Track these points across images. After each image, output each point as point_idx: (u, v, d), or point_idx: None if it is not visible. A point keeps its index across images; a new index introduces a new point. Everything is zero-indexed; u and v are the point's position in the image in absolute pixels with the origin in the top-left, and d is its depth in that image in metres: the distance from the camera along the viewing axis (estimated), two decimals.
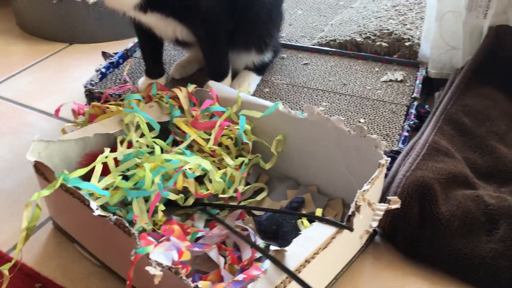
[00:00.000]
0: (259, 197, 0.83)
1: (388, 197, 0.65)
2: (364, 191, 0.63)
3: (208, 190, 0.78)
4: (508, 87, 0.94)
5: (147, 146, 0.83)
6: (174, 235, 0.70)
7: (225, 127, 0.85)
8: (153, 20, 0.91)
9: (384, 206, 0.63)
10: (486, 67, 0.95)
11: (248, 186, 0.84)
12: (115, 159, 0.77)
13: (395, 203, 0.65)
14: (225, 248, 0.73)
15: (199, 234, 0.73)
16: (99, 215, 0.60)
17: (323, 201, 0.82)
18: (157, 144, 0.80)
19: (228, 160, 0.82)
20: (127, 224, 0.58)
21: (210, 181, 0.80)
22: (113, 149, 0.81)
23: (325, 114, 0.93)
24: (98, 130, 0.82)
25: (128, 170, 0.76)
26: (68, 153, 0.79)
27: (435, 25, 1.03)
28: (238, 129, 0.84)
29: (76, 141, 0.80)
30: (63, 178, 0.66)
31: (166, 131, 0.87)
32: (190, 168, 0.76)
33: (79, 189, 0.66)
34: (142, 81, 1.05)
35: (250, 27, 1.01)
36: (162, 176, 0.75)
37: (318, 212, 0.75)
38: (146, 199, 0.74)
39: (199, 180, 0.80)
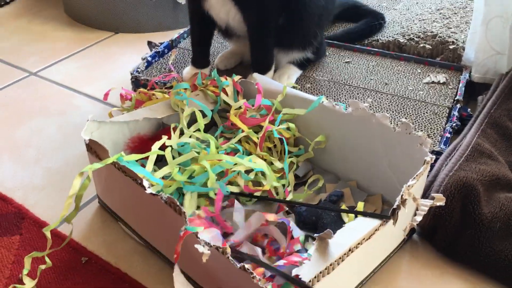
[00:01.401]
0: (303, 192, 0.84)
1: (432, 194, 0.66)
2: (409, 185, 0.64)
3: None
4: None
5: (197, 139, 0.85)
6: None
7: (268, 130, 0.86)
8: None
9: (429, 202, 0.64)
10: None
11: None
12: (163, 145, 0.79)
13: (440, 201, 0.66)
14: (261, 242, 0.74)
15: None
16: (150, 193, 0.63)
17: (362, 196, 0.83)
18: (212, 140, 0.82)
19: (277, 164, 0.84)
20: (178, 203, 0.60)
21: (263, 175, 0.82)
22: (159, 136, 0.84)
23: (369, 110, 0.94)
24: (146, 115, 0.84)
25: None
26: (118, 134, 0.82)
27: (481, 29, 1.03)
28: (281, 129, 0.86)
29: (126, 123, 0.83)
30: (118, 158, 0.68)
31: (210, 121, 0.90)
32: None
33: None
34: (187, 70, 1.08)
35: (299, 26, 1.03)
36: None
37: (360, 205, 0.76)
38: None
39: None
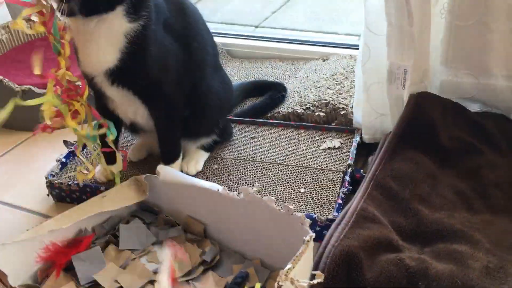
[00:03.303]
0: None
1: (313, 272, 0.72)
2: (288, 270, 0.70)
3: None
4: (430, 149, 1.03)
5: None
6: None
7: None
8: (117, 94, 0.99)
9: (306, 283, 0.70)
10: (409, 132, 1.04)
11: None
12: None
13: (319, 277, 0.72)
14: None
15: None
16: None
17: (266, 274, 0.88)
18: None
19: None
20: None
21: None
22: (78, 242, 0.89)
23: (259, 193, 1.02)
24: (52, 227, 0.88)
25: None
26: (27, 251, 0.85)
27: (363, 95, 1.14)
28: None
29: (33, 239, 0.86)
30: None
31: None
32: None
33: None
34: (99, 169, 1.12)
35: (203, 117, 1.12)
36: None
37: (257, 287, 0.82)
38: None
39: None
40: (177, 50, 1.01)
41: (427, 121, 1.05)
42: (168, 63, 1.00)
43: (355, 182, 1.05)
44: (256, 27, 2.45)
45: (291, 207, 0.81)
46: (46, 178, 1.14)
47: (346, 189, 1.01)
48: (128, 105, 1.03)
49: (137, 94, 0.99)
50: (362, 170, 1.08)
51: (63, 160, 1.19)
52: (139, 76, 0.96)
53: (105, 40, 0.91)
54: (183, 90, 1.05)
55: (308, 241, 0.76)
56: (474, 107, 1.15)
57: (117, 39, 0.91)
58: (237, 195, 0.89)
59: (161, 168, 1.02)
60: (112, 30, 0.91)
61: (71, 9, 0.85)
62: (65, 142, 1.27)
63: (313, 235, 0.77)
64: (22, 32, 1.70)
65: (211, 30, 1.13)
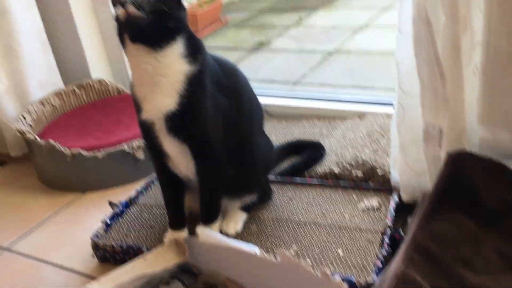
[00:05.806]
0: None
1: None
2: None
3: None
4: (470, 209, 1.00)
5: None
6: None
7: None
8: (172, 146, 1.03)
9: None
10: (448, 193, 1.03)
11: None
12: None
13: None
14: None
15: None
16: None
17: None
18: None
19: None
20: None
21: None
22: None
23: (296, 256, 1.02)
24: None
25: None
26: None
27: (399, 154, 1.14)
28: None
29: None
30: None
31: None
32: None
33: None
34: (167, 235, 1.14)
35: (247, 175, 1.14)
36: None
37: None
38: None
39: None
40: (228, 108, 1.06)
41: (466, 180, 1.04)
42: (218, 119, 1.04)
43: (394, 242, 1.04)
44: (294, 84, 2.52)
45: (328, 271, 0.80)
46: (91, 239, 1.18)
47: (385, 251, 0.99)
48: (181, 159, 1.06)
49: (189, 146, 1.03)
50: (401, 230, 1.06)
51: (108, 221, 1.23)
52: (193, 124, 1.00)
53: (167, 81, 0.97)
54: (229, 150, 1.09)
55: None
56: None
57: (177, 80, 0.97)
58: (274, 258, 0.90)
59: (201, 230, 1.05)
60: (173, 70, 0.97)
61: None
62: (110, 203, 1.32)
63: None
64: (73, 98, 1.81)
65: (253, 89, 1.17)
